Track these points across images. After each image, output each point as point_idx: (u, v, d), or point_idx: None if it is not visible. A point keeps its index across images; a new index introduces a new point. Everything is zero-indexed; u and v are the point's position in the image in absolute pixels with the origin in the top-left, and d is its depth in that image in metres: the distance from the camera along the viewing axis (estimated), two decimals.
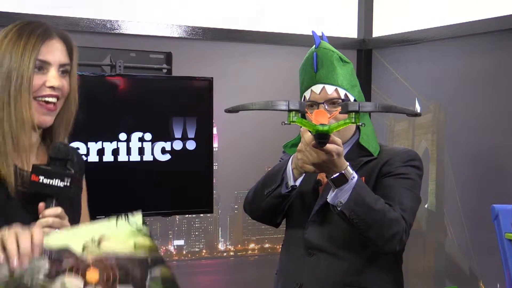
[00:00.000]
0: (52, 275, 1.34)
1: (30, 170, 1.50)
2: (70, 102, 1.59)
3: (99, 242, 1.40)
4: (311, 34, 2.11)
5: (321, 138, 1.72)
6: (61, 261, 1.36)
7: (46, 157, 1.57)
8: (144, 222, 1.45)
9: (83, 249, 1.38)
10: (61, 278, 1.35)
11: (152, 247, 1.43)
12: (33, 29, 1.52)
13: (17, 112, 1.48)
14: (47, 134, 1.62)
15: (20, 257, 1.30)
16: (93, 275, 1.37)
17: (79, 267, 1.37)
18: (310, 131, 1.76)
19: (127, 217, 1.44)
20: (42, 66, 1.52)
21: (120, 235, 1.42)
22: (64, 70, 1.56)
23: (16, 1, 2.85)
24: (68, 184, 1.51)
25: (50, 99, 1.53)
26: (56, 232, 1.43)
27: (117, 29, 3.04)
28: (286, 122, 1.76)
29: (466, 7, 3.02)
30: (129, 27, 3.07)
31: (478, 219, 2.90)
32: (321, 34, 2.10)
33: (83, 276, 1.36)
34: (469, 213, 2.97)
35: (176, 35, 3.16)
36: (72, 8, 2.94)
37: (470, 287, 2.94)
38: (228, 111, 1.85)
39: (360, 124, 1.77)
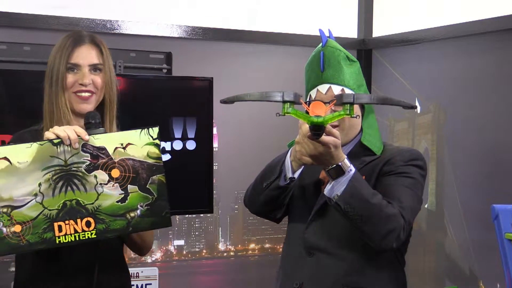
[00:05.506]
0: (89, 169, 1.72)
1: None
2: (107, 92, 1.94)
3: (125, 147, 1.75)
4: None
5: (316, 129, 1.70)
6: (98, 157, 1.72)
7: None
8: (158, 136, 1.78)
9: (114, 150, 1.74)
10: (95, 172, 1.72)
11: (159, 156, 1.79)
12: (69, 38, 1.92)
13: (59, 104, 1.89)
14: None
15: (71, 141, 1.70)
16: (116, 172, 1.74)
17: (108, 165, 1.73)
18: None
19: (148, 130, 1.77)
20: (74, 68, 1.89)
21: (140, 143, 1.77)
22: (97, 68, 1.92)
23: (16, 1, 2.86)
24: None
25: (84, 94, 1.90)
26: (99, 135, 1.76)
27: (117, 29, 3.04)
28: (280, 113, 1.75)
29: (466, 7, 3.02)
30: (129, 27, 3.07)
31: (478, 219, 2.90)
32: (328, 33, 2.08)
33: (110, 172, 1.73)
34: (469, 213, 2.97)
35: (176, 35, 3.16)
36: (72, 8, 2.94)
37: (470, 287, 2.95)
38: (224, 101, 1.88)
39: (354, 116, 1.76)
